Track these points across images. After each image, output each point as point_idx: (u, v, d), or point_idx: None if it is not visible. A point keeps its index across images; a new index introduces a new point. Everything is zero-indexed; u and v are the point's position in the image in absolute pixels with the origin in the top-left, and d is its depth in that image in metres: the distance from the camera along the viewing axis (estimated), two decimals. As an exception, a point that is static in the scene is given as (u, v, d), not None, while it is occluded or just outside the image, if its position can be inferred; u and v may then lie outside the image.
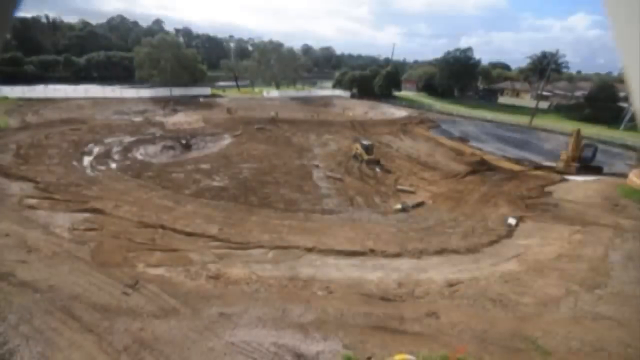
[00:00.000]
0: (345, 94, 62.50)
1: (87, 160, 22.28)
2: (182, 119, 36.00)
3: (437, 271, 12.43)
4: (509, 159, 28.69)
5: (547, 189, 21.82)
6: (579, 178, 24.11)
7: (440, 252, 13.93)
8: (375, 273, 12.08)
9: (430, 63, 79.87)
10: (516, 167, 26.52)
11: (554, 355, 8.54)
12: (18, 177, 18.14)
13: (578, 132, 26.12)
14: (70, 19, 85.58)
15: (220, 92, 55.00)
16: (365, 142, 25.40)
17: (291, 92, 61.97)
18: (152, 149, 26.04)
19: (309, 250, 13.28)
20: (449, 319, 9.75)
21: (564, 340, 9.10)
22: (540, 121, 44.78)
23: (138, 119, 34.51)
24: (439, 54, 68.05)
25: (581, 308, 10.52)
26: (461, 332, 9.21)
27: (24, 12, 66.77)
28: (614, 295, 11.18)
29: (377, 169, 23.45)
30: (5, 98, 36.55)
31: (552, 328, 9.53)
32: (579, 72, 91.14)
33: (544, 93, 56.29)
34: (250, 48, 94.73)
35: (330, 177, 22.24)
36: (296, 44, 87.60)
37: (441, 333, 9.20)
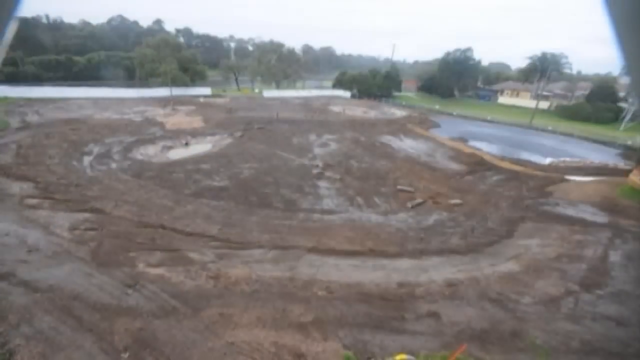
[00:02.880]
0: (345, 94, 62.47)
1: (87, 160, 22.27)
2: (182, 118, 36.00)
3: (437, 271, 12.43)
4: (509, 159, 28.70)
5: (547, 189, 21.83)
6: (579, 178, 24.11)
7: (440, 252, 13.93)
8: (376, 273, 12.08)
9: (430, 63, 79.87)
10: (516, 167, 26.57)
11: (554, 355, 8.54)
12: (18, 176, 18.16)
13: None
14: (71, 19, 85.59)
15: (220, 92, 55.03)
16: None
17: (291, 92, 61.97)
18: (152, 148, 26.04)
19: (310, 250, 13.28)
20: (449, 318, 9.75)
21: (564, 340, 9.10)
22: (540, 121, 44.79)
23: (138, 119, 34.50)
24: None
25: (581, 308, 10.52)
26: (461, 332, 9.22)
27: (24, 12, 66.74)
28: (614, 295, 11.19)
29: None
30: (5, 98, 36.59)
31: (552, 328, 9.53)
32: (579, 72, 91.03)
33: (544, 93, 56.30)
34: (250, 48, 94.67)
35: (330, 177, 22.24)
36: (296, 44, 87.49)
37: (441, 333, 9.21)
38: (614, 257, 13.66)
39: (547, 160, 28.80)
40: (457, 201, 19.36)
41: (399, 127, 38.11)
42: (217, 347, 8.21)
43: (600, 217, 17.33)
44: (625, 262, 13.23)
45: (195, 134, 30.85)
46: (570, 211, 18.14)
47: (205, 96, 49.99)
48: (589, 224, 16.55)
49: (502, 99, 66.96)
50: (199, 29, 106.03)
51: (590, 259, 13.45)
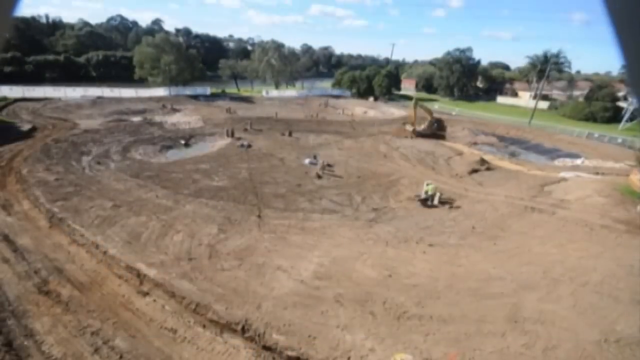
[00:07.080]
0: (345, 93, 62.51)
1: (85, 160, 22.23)
2: (181, 118, 35.97)
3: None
4: (509, 159, 28.76)
5: (546, 188, 21.85)
6: (579, 178, 24.13)
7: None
8: (374, 270, 12.06)
9: (429, 63, 79.94)
10: (515, 167, 26.63)
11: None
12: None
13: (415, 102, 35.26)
14: (70, 18, 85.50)
15: (219, 92, 54.95)
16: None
17: (290, 91, 61.99)
18: (151, 148, 26.02)
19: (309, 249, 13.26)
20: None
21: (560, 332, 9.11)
22: (539, 121, 44.85)
23: (137, 118, 34.45)
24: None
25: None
26: (461, 320, 9.23)
27: (24, 12, 66.78)
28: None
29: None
30: (5, 98, 36.52)
31: (547, 318, 9.56)
32: (578, 72, 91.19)
33: (544, 93, 56.37)
34: (250, 48, 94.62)
35: (330, 177, 22.25)
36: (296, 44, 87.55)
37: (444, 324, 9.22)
38: (611, 255, 13.67)
39: (547, 160, 28.83)
40: (455, 201, 19.37)
41: (398, 127, 38.10)
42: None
43: (599, 217, 17.32)
44: (621, 262, 13.20)
45: (194, 133, 30.86)
46: (568, 210, 18.14)
47: (205, 96, 49.85)
48: (587, 223, 16.54)
49: (502, 99, 66.96)
50: (199, 29, 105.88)
51: (587, 258, 13.47)
